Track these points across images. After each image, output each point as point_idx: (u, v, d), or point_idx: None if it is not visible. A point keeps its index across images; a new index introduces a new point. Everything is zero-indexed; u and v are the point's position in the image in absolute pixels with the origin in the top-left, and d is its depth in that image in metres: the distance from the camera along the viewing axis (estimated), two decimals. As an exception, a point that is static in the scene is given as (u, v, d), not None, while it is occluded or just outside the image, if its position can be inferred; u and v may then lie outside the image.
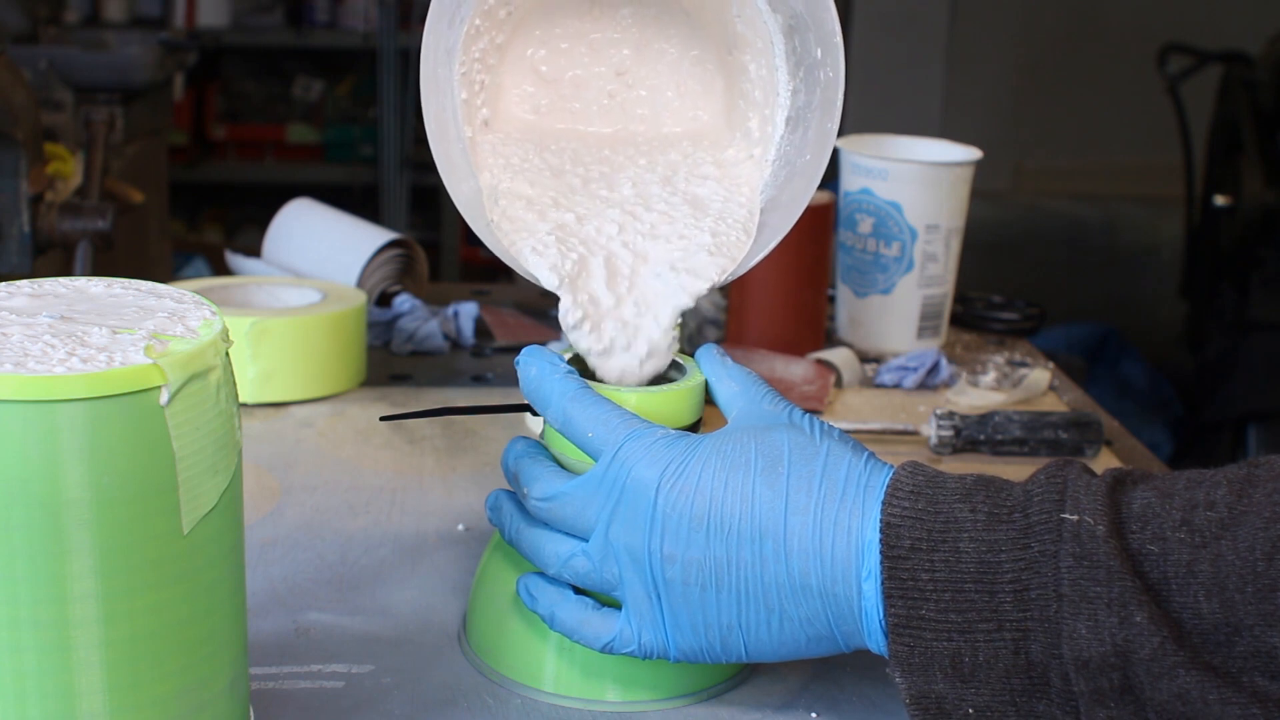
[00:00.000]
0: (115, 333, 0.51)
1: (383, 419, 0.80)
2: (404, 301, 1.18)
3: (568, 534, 0.61)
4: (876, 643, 0.58)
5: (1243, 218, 2.53)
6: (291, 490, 0.87)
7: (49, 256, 1.19)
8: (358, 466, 0.91)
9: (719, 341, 1.11)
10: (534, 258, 0.65)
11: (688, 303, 0.66)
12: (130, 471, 0.48)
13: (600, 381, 0.66)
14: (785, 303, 1.14)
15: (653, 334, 0.66)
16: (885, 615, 0.56)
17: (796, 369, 1.08)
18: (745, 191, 0.71)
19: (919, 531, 0.56)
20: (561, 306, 0.65)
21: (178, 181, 3.00)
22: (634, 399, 0.63)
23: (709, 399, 0.66)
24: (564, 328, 0.65)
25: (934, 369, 1.12)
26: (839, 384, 1.09)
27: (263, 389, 1.00)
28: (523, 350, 0.64)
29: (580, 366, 0.67)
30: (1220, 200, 2.62)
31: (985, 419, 0.96)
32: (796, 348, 1.12)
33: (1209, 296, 2.72)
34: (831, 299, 1.23)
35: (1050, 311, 1.36)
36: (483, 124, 0.70)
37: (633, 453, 0.59)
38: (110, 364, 0.48)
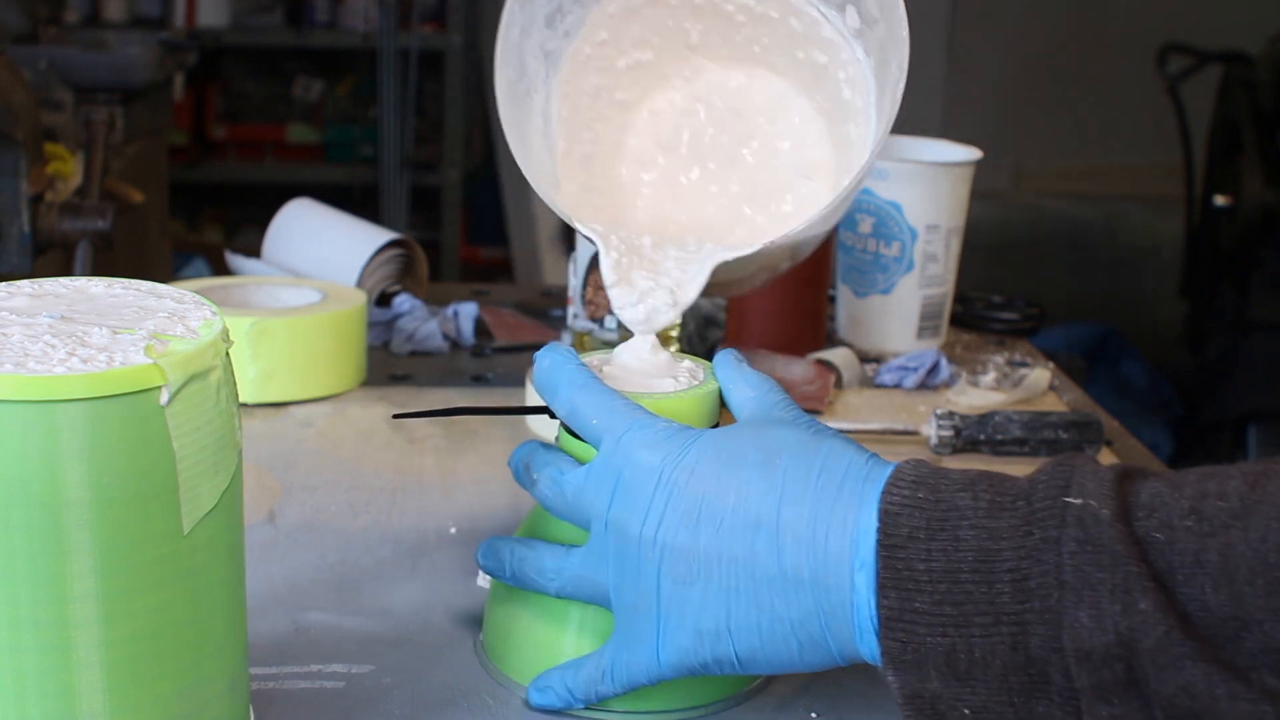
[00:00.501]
0: (115, 333, 0.51)
1: (395, 416, 0.79)
2: (404, 301, 1.18)
3: (565, 543, 0.62)
4: (869, 645, 0.56)
5: (1243, 218, 2.53)
6: (291, 490, 0.87)
7: (49, 256, 1.19)
8: (358, 466, 0.91)
9: (719, 341, 1.11)
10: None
11: (726, 256, 0.68)
12: (130, 471, 0.48)
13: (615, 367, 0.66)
14: (785, 303, 1.14)
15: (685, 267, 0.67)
16: (877, 608, 0.54)
17: (796, 369, 1.08)
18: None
19: (918, 519, 0.54)
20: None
21: (178, 181, 2.99)
22: (647, 403, 0.63)
23: (724, 406, 0.65)
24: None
25: (934, 369, 1.12)
26: (839, 384, 1.09)
27: (263, 389, 1.00)
28: (542, 348, 0.65)
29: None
30: (1220, 200, 2.62)
31: (985, 419, 0.96)
32: (796, 348, 1.12)
33: (1209, 296, 2.72)
34: (831, 299, 1.23)
35: (1050, 311, 1.36)
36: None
37: (634, 439, 0.59)
38: (110, 364, 0.48)
